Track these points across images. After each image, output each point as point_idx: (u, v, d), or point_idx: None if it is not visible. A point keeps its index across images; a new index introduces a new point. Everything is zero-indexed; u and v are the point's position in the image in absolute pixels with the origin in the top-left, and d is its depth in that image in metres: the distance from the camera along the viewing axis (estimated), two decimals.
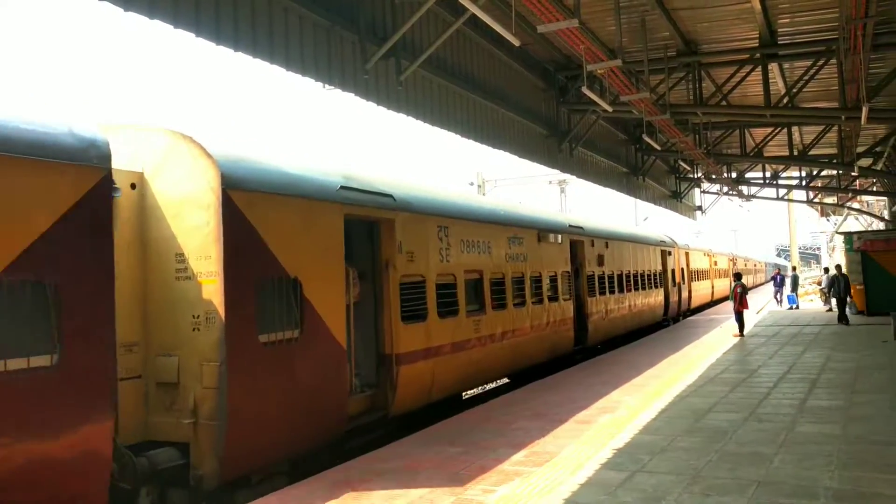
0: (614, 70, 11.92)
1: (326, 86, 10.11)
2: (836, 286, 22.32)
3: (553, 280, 15.57)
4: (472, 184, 42.28)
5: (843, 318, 21.72)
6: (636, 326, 21.97)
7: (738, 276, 20.66)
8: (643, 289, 22.57)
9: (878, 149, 24.54)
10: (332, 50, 10.06)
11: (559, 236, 16.03)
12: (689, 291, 31.21)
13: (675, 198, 30.12)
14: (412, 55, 11.40)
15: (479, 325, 12.09)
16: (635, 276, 21.88)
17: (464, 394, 12.85)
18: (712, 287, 38.90)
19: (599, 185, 21.80)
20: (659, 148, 20.29)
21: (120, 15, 7.32)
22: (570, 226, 17.08)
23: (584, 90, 13.13)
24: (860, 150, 22.82)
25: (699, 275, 34.51)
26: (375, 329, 9.72)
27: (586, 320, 17.41)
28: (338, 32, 10.10)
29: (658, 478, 6.44)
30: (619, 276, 20.23)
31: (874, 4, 10.22)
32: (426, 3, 10.24)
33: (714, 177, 27.71)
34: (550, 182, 43.47)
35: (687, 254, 31.07)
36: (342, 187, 8.87)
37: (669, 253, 27.15)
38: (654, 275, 24.42)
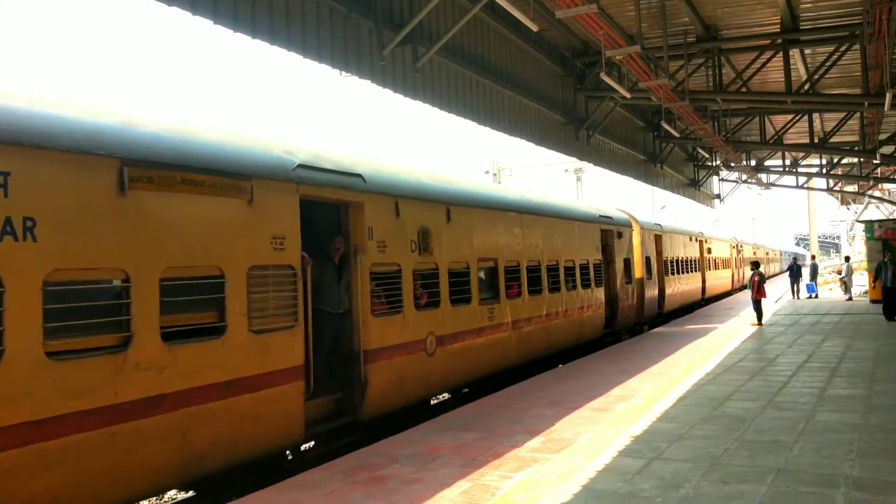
0: (633, 56, 11.81)
1: (343, 73, 10.10)
2: (884, 273, 19.48)
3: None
4: (487, 172, 42.21)
5: (890, 312, 19.00)
6: (523, 358, 13.18)
7: (755, 265, 20.48)
8: (554, 289, 14.57)
9: None
10: (349, 37, 10.04)
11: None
12: (661, 289, 23.43)
13: (693, 186, 29.86)
14: (429, 42, 11.36)
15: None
16: (527, 268, 13.47)
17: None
18: (703, 282, 31.02)
19: (616, 173, 21.65)
20: (677, 135, 20.16)
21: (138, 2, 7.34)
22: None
23: (603, 76, 13.01)
24: (882, 137, 22.48)
25: (683, 265, 26.94)
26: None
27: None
28: (354, 19, 10.07)
29: (676, 465, 6.43)
30: (465, 272, 11.44)
31: None
32: None
33: (733, 164, 27.43)
34: (567, 170, 43.29)
35: (658, 236, 23.65)
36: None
37: (620, 234, 19.20)
38: (587, 267, 16.54)
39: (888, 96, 13.18)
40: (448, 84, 12.47)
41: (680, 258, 26.42)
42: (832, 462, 6.31)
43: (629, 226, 20.38)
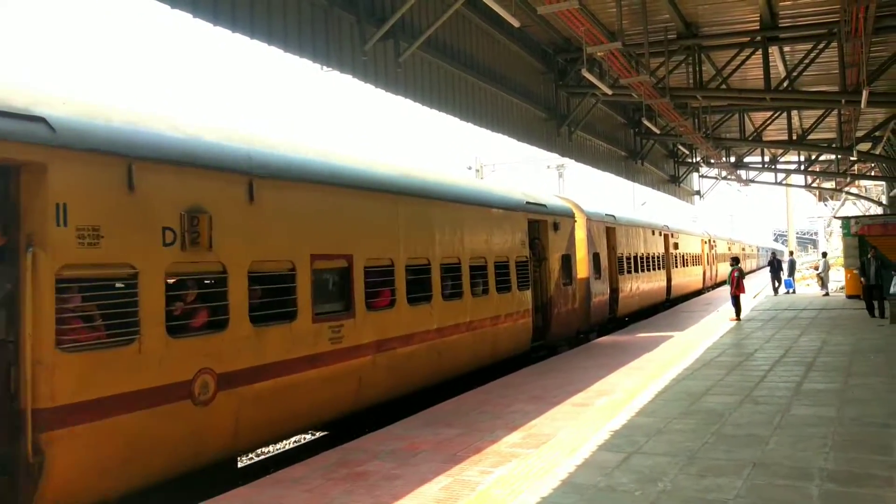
0: (614, 53, 11.86)
1: (324, 67, 10.06)
2: (868, 269, 18.99)
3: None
4: (470, 168, 42.25)
5: (872, 308, 18.72)
6: (398, 391, 9.96)
7: (735, 261, 20.68)
8: (452, 295, 11.32)
9: (877, 133, 24.47)
10: (330, 31, 10.00)
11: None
12: (615, 290, 20.54)
13: (673, 182, 30.11)
14: (411, 37, 11.34)
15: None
16: (407, 268, 10.24)
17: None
18: (669, 281, 27.77)
19: (598, 169, 21.78)
20: (658, 132, 20.28)
21: None
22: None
23: (584, 73, 13.07)
24: (859, 134, 22.77)
25: (643, 263, 23.92)
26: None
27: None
28: (336, 13, 10.04)
29: (654, 459, 6.49)
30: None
31: None
32: None
33: (713, 161, 27.65)
34: (549, 167, 43.47)
35: (611, 229, 20.48)
36: None
37: (557, 226, 15.68)
38: (506, 266, 13.08)
39: (864, 94, 13.35)
40: (430, 79, 12.46)
41: (640, 254, 23.42)
42: (807, 455, 6.40)
43: (570, 216, 16.67)
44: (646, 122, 18.28)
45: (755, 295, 29.82)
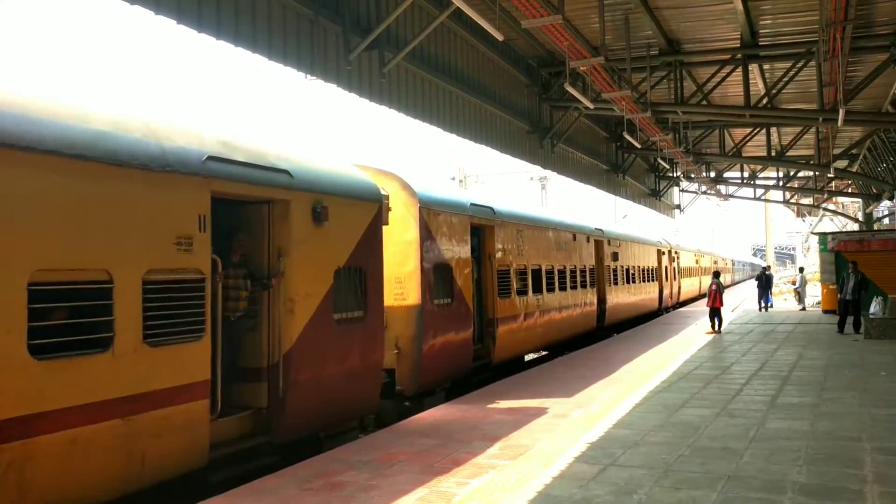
0: (597, 67, 12.01)
1: (308, 76, 10.07)
2: (845, 285, 18.87)
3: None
4: (454, 178, 42.36)
5: (843, 324, 18.71)
6: None
7: (716, 275, 20.92)
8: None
9: (853, 151, 24.99)
10: (315, 40, 10.02)
11: None
12: (491, 322, 13.24)
13: (654, 196, 30.37)
14: (396, 48, 11.39)
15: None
16: None
17: None
18: (601, 302, 21.03)
19: (580, 182, 21.94)
20: (639, 146, 20.48)
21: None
22: None
23: (567, 87, 13.19)
24: (836, 151, 23.18)
25: (551, 277, 16.64)
26: None
27: None
28: (321, 23, 10.06)
29: (630, 471, 6.52)
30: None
31: (853, 8, 10.37)
32: None
33: (693, 176, 27.96)
34: (532, 178, 43.73)
35: (485, 228, 13.35)
36: None
37: (319, 214, 7.97)
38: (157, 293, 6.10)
39: (841, 112, 13.60)
40: (414, 90, 12.51)
41: (543, 266, 16.13)
42: (781, 468, 6.47)
43: (360, 197, 8.91)
44: (627, 137, 18.47)
45: (733, 308, 30.09)
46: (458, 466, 6.98)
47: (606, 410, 9.41)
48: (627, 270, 24.13)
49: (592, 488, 6.07)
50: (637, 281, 25.56)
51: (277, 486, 6.56)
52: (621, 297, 23.27)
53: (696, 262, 41.57)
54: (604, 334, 21.06)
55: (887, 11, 13.01)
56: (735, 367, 13.19)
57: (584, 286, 19.22)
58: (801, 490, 5.85)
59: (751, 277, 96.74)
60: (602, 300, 21.16)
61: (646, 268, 26.99)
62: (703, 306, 23.70)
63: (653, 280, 28.29)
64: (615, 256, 22.64)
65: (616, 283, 22.53)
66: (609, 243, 22.15)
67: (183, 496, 6.65)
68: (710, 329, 19.64)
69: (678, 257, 34.51)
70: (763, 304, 28.37)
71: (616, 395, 10.50)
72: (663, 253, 30.94)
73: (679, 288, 34.59)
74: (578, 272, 18.82)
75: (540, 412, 9.49)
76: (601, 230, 21.71)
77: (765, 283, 28.70)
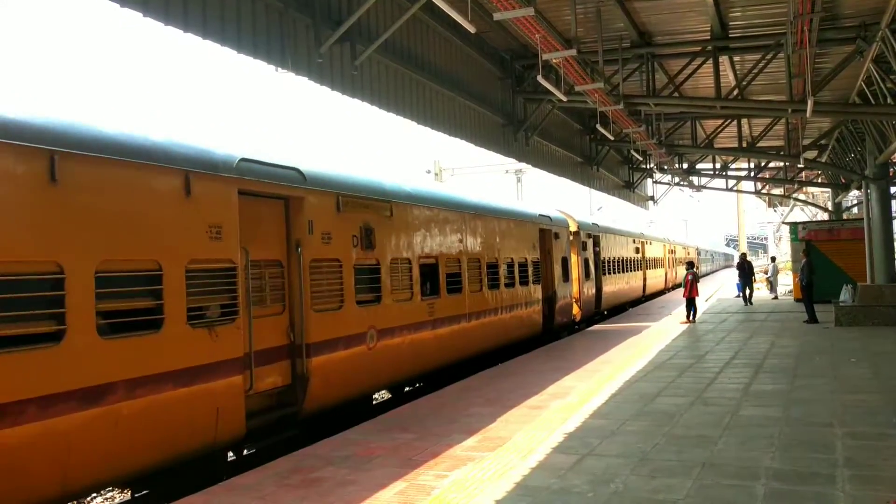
0: (569, 60, 12.01)
1: (279, 69, 9.95)
2: (802, 272, 19.12)
3: None
4: (429, 172, 42.28)
5: (813, 316, 18.25)
6: None
7: (690, 265, 21.16)
8: None
9: (822, 141, 25.34)
10: (286, 33, 9.90)
11: None
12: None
13: (628, 188, 30.56)
14: (367, 40, 11.29)
15: None
16: None
17: None
18: (549, 305, 18.59)
19: (555, 175, 21.98)
20: (612, 138, 20.58)
21: None
22: None
23: (540, 79, 13.18)
24: (806, 142, 23.49)
25: (441, 276, 12.70)
26: None
27: None
28: (291, 15, 9.94)
29: (607, 461, 6.57)
30: None
31: (819, 1, 10.49)
32: None
33: (666, 167, 28.17)
34: (507, 171, 43.75)
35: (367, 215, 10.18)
36: None
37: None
38: None
39: (810, 103, 13.76)
40: (387, 83, 12.42)
41: (443, 253, 12.84)
42: (754, 455, 6.56)
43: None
44: (600, 129, 18.53)
45: (707, 298, 30.43)
46: (436, 459, 6.98)
47: (583, 401, 9.47)
48: (564, 260, 20.25)
49: (570, 478, 6.11)
50: (588, 278, 22.88)
51: (256, 482, 6.51)
52: (566, 297, 20.13)
53: (671, 252, 41.15)
54: (551, 338, 18.44)
55: (853, 4, 13.18)
56: (709, 355, 13.34)
57: (519, 284, 16.55)
58: (775, 476, 5.94)
59: (723, 268, 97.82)
60: (550, 301, 18.66)
61: (571, 259, 21.44)
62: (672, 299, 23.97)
63: (588, 279, 23.20)
64: (547, 252, 19.06)
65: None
66: (557, 236, 19.61)
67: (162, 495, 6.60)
68: (685, 319, 19.87)
69: (645, 247, 33.86)
70: (743, 295, 26.62)
71: (593, 386, 10.57)
72: (636, 243, 30.67)
73: (640, 283, 32.68)
74: (507, 267, 15.98)
75: (517, 403, 9.52)
76: (548, 217, 19.33)
77: (748, 270, 26.98)
